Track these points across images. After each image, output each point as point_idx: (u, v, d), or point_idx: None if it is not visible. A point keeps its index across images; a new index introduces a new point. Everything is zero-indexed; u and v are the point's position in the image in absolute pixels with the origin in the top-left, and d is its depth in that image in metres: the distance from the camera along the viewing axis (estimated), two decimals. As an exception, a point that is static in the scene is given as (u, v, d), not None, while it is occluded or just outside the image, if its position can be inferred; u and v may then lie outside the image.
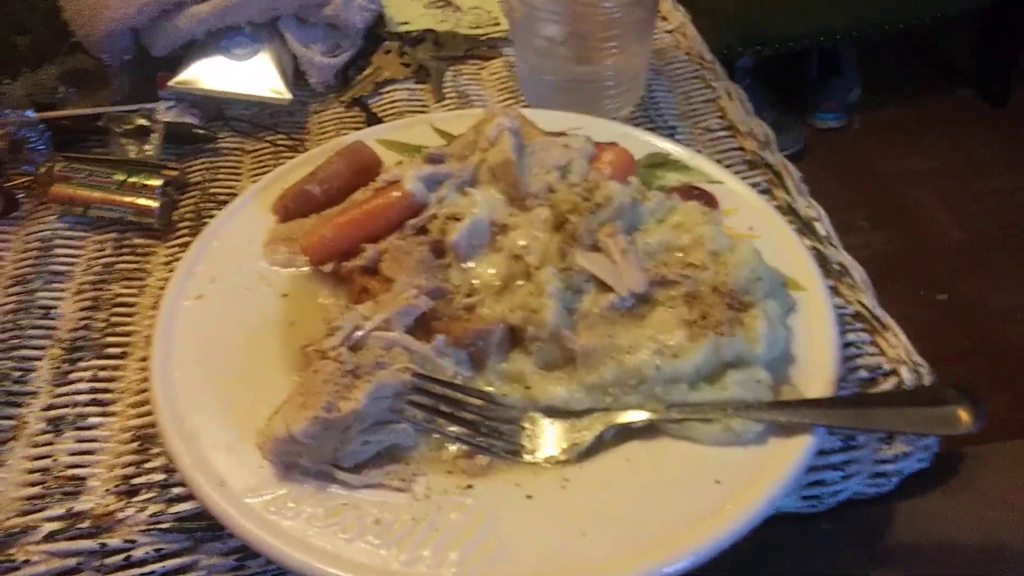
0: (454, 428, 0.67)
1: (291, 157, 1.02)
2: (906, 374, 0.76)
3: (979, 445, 0.78)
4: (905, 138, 3.00)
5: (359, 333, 0.70)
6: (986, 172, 2.86)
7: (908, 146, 2.98)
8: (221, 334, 0.75)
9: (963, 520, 0.75)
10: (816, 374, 0.69)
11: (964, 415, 0.61)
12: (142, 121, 1.00)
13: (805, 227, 0.89)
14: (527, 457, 0.67)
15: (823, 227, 0.91)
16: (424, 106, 1.13)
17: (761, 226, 0.82)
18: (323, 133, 1.09)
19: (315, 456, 0.64)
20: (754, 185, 0.92)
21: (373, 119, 1.09)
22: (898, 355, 0.78)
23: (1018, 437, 0.81)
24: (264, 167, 1.04)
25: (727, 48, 2.50)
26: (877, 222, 2.69)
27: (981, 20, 3.02)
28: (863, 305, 0.82)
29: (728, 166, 0.95)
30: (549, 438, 0.68)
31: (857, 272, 0.86)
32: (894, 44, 3.28)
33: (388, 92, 1.16)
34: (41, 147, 0.98)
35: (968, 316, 2.38)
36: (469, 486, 0.65)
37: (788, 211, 0.91)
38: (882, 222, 2.69)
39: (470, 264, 0.77)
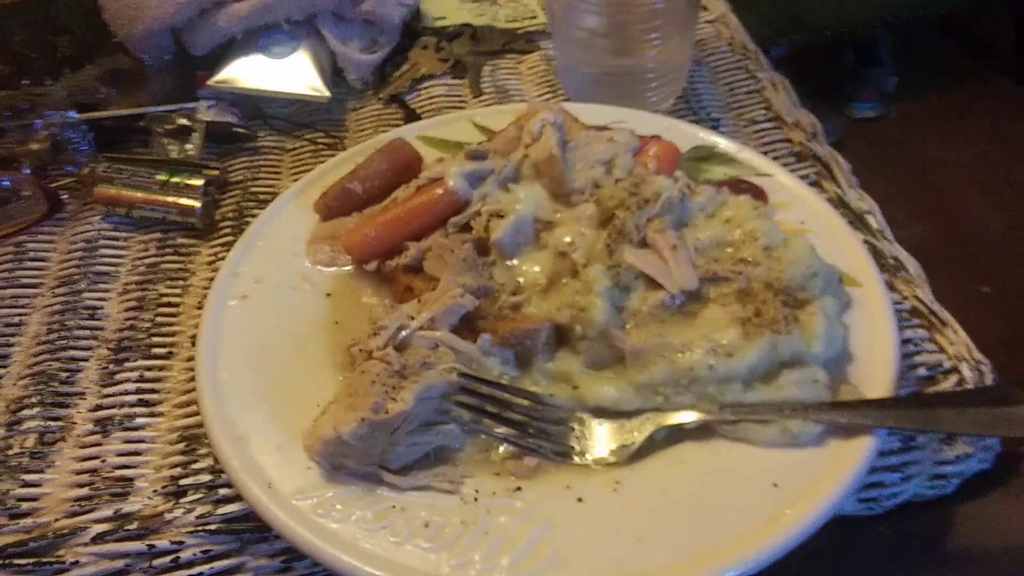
0: (501, 429, 0.66)
1: (330, 155, 1.02)
2: (967, 372, 0.73)
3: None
4: (943, 127, 2.93)
5: (404, 333, 0.69)
6: (1025, 160, 2.79)
7: (946, 135, 2.90)
8: (267, 334, 0.75)
9: (1027, 522, 0.73)
10: (875, 373, 0.67)
11: (1034, 415, 0.59)
12: (183, 121, 1.00)
13: (857, 220, 0.87)
14: (576, 459, 0.65)
15: (875, 220, 0.88)
16: (462, 101, 1.12)
17: (813, 220, 0.80)
18: (362, 130, 1.09)
19: (363, 458, 0.63)
20: (803, 178, 0.90)
21: (411, 115, 1.08)
22: (959, 352, 0.75)
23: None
24: (304, 165, 1.03)
25: (761, 38, 2.44)
26: (915, 213, 2.61)
27: (1019, 5, 2.94)
28: (920, 300, 0.80)
29: (775, 158, 0.93)
30: (598, 439, 0.66)
31: (912, 266, 0.84)
32: (931, 31, 3.20)
33: (426, 88, 1.15)
34: (84, 148, 0.98)
35: (1012, 307, 2.32)
36: (518, 488, 0.64)
37: (839, 204, 0.88)
38: (921, 213, 2.62)
39: (514, 262, 0.76)
